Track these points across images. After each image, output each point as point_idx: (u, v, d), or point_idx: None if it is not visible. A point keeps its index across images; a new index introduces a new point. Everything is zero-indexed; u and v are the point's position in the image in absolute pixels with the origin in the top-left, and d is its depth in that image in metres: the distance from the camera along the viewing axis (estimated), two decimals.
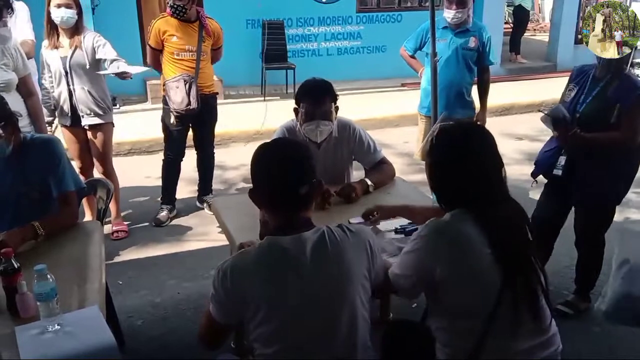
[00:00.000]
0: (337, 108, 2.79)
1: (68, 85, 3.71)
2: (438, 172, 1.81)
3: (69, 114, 3.78)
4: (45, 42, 3.72)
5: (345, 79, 8.23)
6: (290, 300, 1.59)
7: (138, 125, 6.38)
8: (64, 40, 3.67)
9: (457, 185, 1.74)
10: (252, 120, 6.72)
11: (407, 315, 3.12)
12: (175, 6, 3.94)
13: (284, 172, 1.66)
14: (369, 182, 2.84)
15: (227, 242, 2.55)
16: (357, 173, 3.13)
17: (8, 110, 2.35)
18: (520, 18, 10.51)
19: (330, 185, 2.80)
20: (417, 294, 1.86)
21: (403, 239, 2.24)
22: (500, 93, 8.04)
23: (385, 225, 2.39)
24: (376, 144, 3.00)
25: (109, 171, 3.98)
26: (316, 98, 2.71)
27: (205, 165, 4.53)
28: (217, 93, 4.42)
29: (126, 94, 7.51)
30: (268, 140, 1.86)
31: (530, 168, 5.82)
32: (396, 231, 2.35)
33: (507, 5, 11.78)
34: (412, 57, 4.31)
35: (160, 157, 4.46)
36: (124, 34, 7.34)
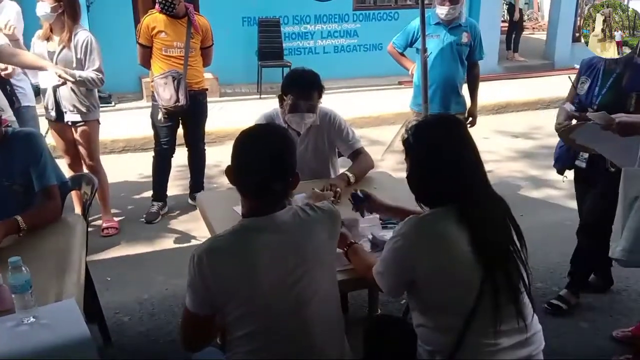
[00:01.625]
0: (321, 97, 2.80)
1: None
2: (416, 170, 1.78)
3: (53, 109, 3.77)
4: (38, 32, 3.70)
5: (341, 77, 8.24)
6: (264, 280, 1.60)
7: (133, 122, 6.36)
8: (51, 33, 3.65)
9: (436, 182, 1.72)
10: (248, 118, 6.70)
11: (396, 310, 3.12)
12: (164, 1, 3.93)
13: (258, 168, 1.65)
14: (349, 174, 2.83)
15: None
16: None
17: None
18: (515, 16, 10.51)
19: (316, 174, 2.79)
20: (401, 293, 1.85)
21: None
22: (497, 91, 8.03)
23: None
24: (355, 134, 3.00)
25: (95, 168, 3.96)
26: (305, 92, 2.71)
27: (196, 162, 4.52)
28: (207, 89, 4.40)
29: (122, 91, 7.52)
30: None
31: (524, 165, 5.81)
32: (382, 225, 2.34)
33: (505, 4, 11.76)
34: (402, 54, 4.30)
35: None
36: (119, 31, 7.34)
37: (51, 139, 3.83)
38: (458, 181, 1.69)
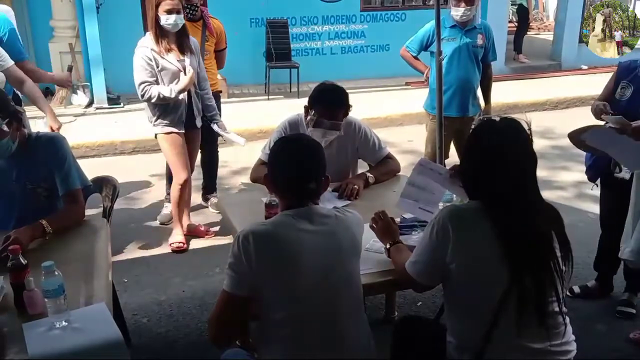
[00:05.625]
0: (347, 114, 2.81)
1: (189, 90, 3.62)
2: (467, 156, 1.84)
3: (184, 119, 3.68)
4: (152, 46, 3.50)
5: (349, 78, 8.20)
6: (303, 265, 1.71)
7: (143, 123, 6.33)
8: (172, 44, 3.56)
9: (479, 175, 1.76)
10: (256, 119, 6.73)
11: (412, 312, 3.14)
12: (189, 6, 3.93)
13: (297, 168, 1.81)
14: (368, 175, 2.85)
15: (231, 240, 2.55)
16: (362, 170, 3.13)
17: (12, 107, 2.36)
18: (523, 17, 10.52)
19: (334, 181, 2.81)
20: (433, 281, 1.88)
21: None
22: (505, 92, 8.04)
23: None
24: (381, 141, 3.02)
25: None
26: (329, 111, 2.72)
27: (209, 164, 4.53)
28: (221, 91, 4.43)
29: (130, 92, 7.52)
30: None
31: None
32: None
33: (512, 4, 11.77)
34: (416, 58, 4.31)
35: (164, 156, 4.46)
36: (128, 33, 7.32)
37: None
38: (493, 180, 1.71)
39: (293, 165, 1.82)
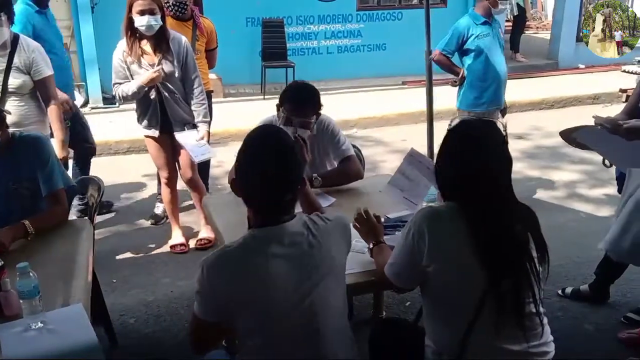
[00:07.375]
0: (319, 114, 2.79)
1: (159, 93, 3.50)
2: (443, 158, 1.81)
3: (158, 123, 3.58)
4: (124, 48, 3.42)
5: (345, 77, 8.23)
6: (275, 291, 1.59)
7: (136, 123, 6.36)
8: (147, 47, 3.43)
9: (455, 176, 1.74)
10: (252, 118, 6.71)
11: (401, 312, 3.13)
12: (177, 4, 3.91)
13: (269, 182, 1.61)
14: (314, 175, 2.76)
15: (222, 239, 2.53)
16: None
17: None
18: (520, 16, 10.50)
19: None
20: (411, 283, 1.86)
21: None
22: None
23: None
24: (348, 141, 2.96)
25: (196, 177, 3.83)
26: (297, 109, 2.69)
27: (202, 164, 4.50)
28: (212, 91, 4.41)
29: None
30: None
31: (527, 166, 5.78)
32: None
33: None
34: (451, 60, 4.28)
35: None
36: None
37: None
38: (469, 182, 1.70)
39: (261, 180, 1.62)
